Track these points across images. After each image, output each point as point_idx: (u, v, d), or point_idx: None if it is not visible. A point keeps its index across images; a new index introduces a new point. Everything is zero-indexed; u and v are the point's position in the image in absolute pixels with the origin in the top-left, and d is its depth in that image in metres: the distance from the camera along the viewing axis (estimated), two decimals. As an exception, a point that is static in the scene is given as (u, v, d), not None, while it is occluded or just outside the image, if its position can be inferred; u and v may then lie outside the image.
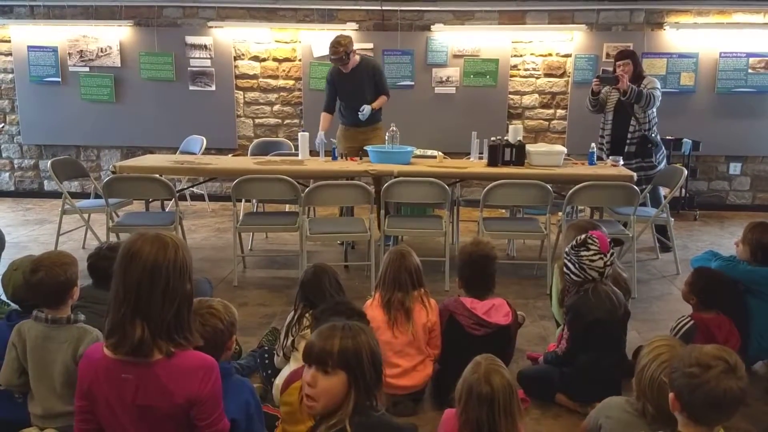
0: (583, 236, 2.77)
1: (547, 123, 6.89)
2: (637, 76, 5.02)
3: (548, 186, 4.24)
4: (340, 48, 4.86)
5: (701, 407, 1.57)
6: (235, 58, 6.87)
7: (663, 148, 5.23)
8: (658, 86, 5.04)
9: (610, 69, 5.15)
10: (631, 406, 1.98)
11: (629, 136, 5.05)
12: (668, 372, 1.68)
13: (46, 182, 7.35)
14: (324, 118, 5.18)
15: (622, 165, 4.75)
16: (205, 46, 6.81)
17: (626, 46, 6.54)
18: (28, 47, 6.91)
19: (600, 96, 5.13)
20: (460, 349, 2.61)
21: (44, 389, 2.25)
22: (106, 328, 1.75)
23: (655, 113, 5.07)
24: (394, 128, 4.83)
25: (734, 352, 1.61)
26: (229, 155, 6.42)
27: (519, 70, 6.76)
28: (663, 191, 5.06)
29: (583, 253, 2.72)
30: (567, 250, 2.83)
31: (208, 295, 3.03)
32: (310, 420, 2.15)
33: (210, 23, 6.74)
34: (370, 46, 6.63)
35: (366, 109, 4.97)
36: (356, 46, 6.62)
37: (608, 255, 2.73)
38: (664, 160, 5.25)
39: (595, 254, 2.71)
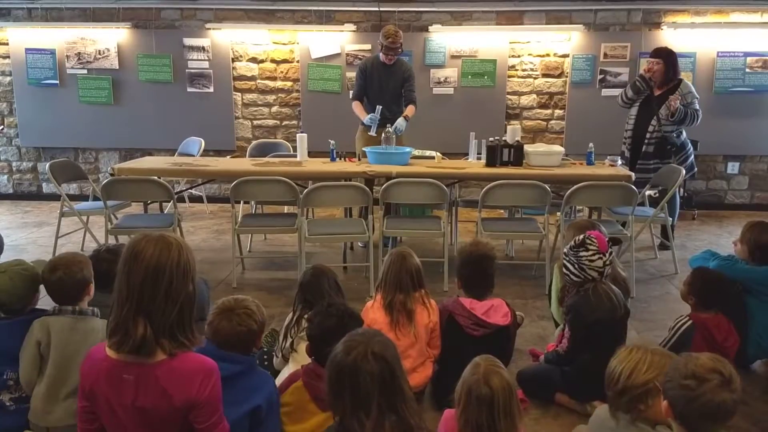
0: (581, 236, 2.77)
1: (545, 123, 6.89)
2: (669, 80, 4.94)
3: (546, 186, 4.25)
4: (399, 37, 4.92)
5: (696, 418, 1.59)
6: (233, 60, 6.87)
7: (689, 149, 5.11)
8: (693, 91, 4.96)
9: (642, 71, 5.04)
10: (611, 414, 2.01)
11: (648, 135, 4.99)
12: (662, 380, 1.69)
13: (44, 185, 7.34)
14: (358, 106, 5.15)
15: (639, 164, 4.68)
16: (203, 48, 6.80)
17: (623, 46, 6.55)
18: (26, 50, 6.90)
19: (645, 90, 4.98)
20: (458, 350, 2.62)
21: (74, 380, 2.22)
22: (108, 327, 1.76)
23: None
24: (390, 129, 4.82)
25: (729, 363, 1.62)
26: (228, 157, 6.42)
27: (517, 70, 6.77)
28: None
29: (582, 254, 2.72)
30: (566, 250, 2.83)
31: (205, 297, 3.03)
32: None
33: (208, 25, 6.73)
34: (368, 47, 6.62)
35: (402, 124, 4.94)
36: (354, 47, 6.70)
37: (607, 254, 2.73)
38: (687, 162, 5.05)
39: (594, 254, 2.71)
